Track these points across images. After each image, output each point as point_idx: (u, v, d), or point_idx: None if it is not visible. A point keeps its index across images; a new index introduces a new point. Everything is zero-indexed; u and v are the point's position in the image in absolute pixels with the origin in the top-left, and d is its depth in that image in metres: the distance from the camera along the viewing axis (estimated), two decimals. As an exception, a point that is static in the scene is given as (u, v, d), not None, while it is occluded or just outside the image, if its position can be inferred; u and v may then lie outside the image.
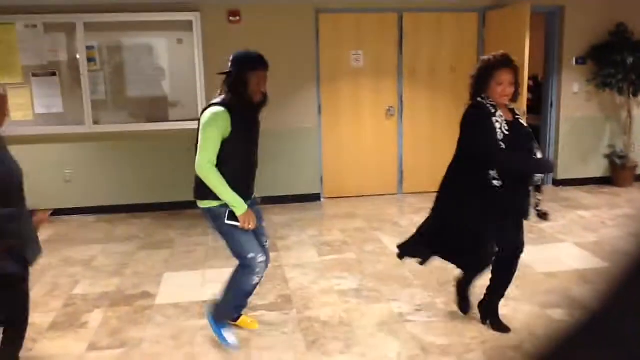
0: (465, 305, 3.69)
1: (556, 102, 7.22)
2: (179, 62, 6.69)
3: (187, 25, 6.37)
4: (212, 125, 3.04)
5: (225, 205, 3.09)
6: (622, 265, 0.52)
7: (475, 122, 3.22)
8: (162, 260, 4.98)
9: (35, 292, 4.29)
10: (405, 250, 3.65)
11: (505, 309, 3.76)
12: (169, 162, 6.44)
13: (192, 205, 6.41)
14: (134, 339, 3.53)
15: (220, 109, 3.06)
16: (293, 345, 3.39)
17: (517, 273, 3.75)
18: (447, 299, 3.94)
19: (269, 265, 3.47)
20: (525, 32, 6.01)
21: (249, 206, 3.14)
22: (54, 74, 6.34)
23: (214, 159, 3.05)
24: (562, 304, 3.87)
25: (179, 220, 6.10)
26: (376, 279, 4.41)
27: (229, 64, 3.13)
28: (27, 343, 3.46)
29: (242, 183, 3.17)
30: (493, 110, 3.18)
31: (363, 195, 7.02)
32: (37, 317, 3.84)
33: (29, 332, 3.58)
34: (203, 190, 3.13)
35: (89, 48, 6.34)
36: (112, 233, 5.83)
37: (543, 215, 3.37)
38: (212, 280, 4.40)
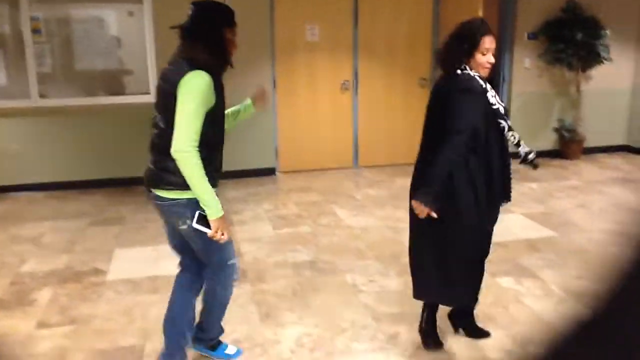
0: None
1: (508, 77, 7.35)
2: (128, 34, 6.50)
3: (137, -4, 6.18)
4: (198, 95, 2.36)
5: (196, 200, 2.45)
6: (621, 266, 0.50)
7: (473, 97, 2.70)
8: (113, 236, 4.89)
9: (-17, 269, 4.17)
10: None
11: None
12: (120, 136, 6.29)
13: (142, 181, 6.30)
14: (84, 315, 3.47)
15: (204, 73, 2.38)
16: (247, 317, 3.39)
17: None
18: (400, 270, 4.00)
19: None
20: (478, 8, 6.06)
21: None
22: (-4, 46, 6.08)
23: (197, 139, 2.38)
24: (511, 272, 3.99)
25: (130, 197, 5.98)
26: (331, 252, 4.44)
27: (194, 16, 2.48)
28: (-29, 322, 3.37)
29: (215, 170, 2.56)
30: (483, 85, 2.74)
31: (319, 169, 7.03)
32: (-15, 295, 3.73)
33: (-26, 311, 3.48)
34: (167, 176, 2.46)
35: (33, 19, 6.09)
36: (61, 210, 5.68)
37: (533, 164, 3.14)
38: (164, 256, 4.32)
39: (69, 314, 3.49)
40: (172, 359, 2.75)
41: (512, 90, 7.34)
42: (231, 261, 2.71)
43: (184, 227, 2.52)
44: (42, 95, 6.23)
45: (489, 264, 4.10)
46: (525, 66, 7.27)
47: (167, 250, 3.95)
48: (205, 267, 2.76)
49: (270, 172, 6.92)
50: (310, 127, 6.98)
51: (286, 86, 6.80)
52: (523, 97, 7.38)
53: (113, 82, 6.61)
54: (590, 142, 7.54)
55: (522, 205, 5.57)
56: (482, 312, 3.36)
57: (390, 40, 6.94)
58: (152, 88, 6.27)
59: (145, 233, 4.94)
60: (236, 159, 6.60)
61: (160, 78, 2.56)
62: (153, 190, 2.54)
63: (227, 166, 2.84)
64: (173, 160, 2.39)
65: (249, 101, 2.95)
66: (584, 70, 7.16)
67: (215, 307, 2.86)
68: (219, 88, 2.47)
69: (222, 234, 2.47)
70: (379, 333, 3.20)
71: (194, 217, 2.45)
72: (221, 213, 2.46)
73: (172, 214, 2.54)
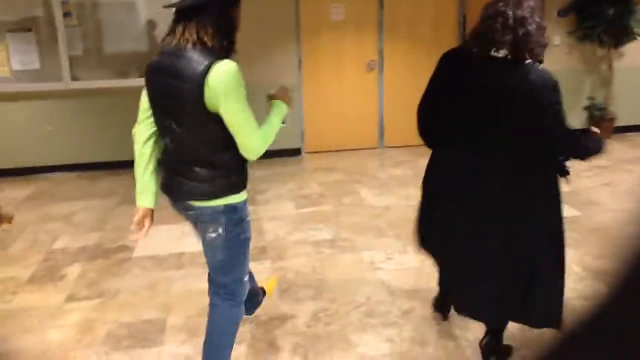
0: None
1: (537, 54, 7.21)
2: (157, 15, 6.60)
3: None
4: (243, 89, 2.13)
5: (232, 207, 2.27)
6: (623, 264, 0.48)
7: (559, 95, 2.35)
8: (142, 215, 5.03)
9: (15, 247, 4.37)
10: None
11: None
12: (149, 118, 6.43)
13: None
14: (111, 289, 3.62)
15: (234, 64, 2.09)
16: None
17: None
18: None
19: None
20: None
21: None
22: (29, 30, 6.26)
23: None
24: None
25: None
26: (351, 230, 4.50)
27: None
28: (6, 296, 3.56)
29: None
30: None
31: (344, 150, 7.06)
32: (17, 271, 3.92)
33: (9, 285, 3.67)
34: (203, 187, 2.21)
35: (64, 2, 6.24)
36: (92, 189, 5.87)
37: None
38: (189, 234, 4.47)
39: (97, 288, 3.64)
40: None
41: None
42: (246, 278, 2.48)
43: (214, 235, 2.30)
44: (74, 78, 6.40)
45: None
46: (555, 43, 7.13)
47: (191, 228, 4.05)
48: (217, 288, 2.47)
49: (296, 152, 6.98)
50: (336, 107, 7.01)
51: (312, 66, 6.83)
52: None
53: (141, 65, 6.73)
54: (622, 121, 7.37)
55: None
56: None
57: (415, 19, 6.88)
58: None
59: (171, 212, 5.07)
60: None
61: (164, 73, 2.12)
62: (184, 201, 2.31)
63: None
64: (204, 167, 2.19)
65: (272, 104, 2.41)
66: (615, 47, 6.97)
67: (230, 334, 2.49)
68: None
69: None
70: (394, 308, 3.26)
71: (227, 224, 2.28)
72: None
73: (205, 222, 2.31)
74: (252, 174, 3.11)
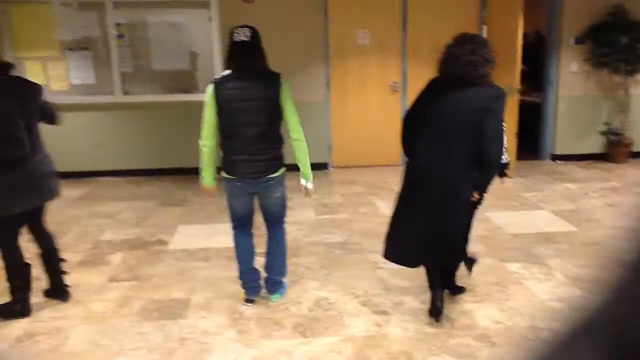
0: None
1: (555, 80, 7.58)
2: (199, 39, 7.29)
3: (206, 5, 6.95)
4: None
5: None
6: (622, 264, 0.49)
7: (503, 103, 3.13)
8: (178, 215, 5.65)
9: (68, 237, 5.02)
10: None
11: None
12: (189, 130, 7.08)
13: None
14: (146, 274, 4.21)
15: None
16: (277, 283, 4.01)
17: (487, 233, 4.27)
18: (419, 252, 4.49)
19: None
20: (519, 14, 6.39)
21: None
22: (86, 49, 7.03)
23: None
24: (519, 259, 4.38)
25: (195, 183, 6.67)
26: (361, 235, 4.98)
27: (254, 36, 3.29)
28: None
29: None
30: None
31: (368, 165, 7.56)
32: (69, 256, 4.51)
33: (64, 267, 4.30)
34: (280, 159, 3.49)
35: (118, 24, 7.00)
36: (136, 192, 6.54)
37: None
38: (219, 232, 5.06)
39: (134, 273, 4.24)
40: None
41: (558, 94, 7.57)
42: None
43: (279, 194, 3.57)
44: (124, 92, 7.13)
45: (501, 251, 4.54)
46: (572, 70, 7.48)
47: (221, 228, 4.62)
48: (276, 224, 3.71)
49: (323, 166, 7.52)
50: (361, 125, 7.53)
51: (339, 87, 7.39)
52: (569, 100, 7.59)
53: (183, 81, 7.43)
54: (638, 146, 7.63)
55: (554, 203, 5.88)
56: (481, 289, 3.82)
57: (437, 44, 7.28)
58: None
59: (204, 214, 5.68)
60: (292, 154, 7.23)
61: (253, 88, 3.29)
62: (265, 176, 3.42)
63: (285, 160, 3.57)
64: (278, 147, 3.46)
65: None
66: (630, 74, 7.28)
67: (285, 250, 3.76)
68: None
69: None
70: (386, 300, 3.73)
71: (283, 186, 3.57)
72: None
73: (276, 187, 3.50)
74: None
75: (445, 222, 3.25)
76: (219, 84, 3.33)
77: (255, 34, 3.31)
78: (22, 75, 3.70)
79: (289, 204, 3.83)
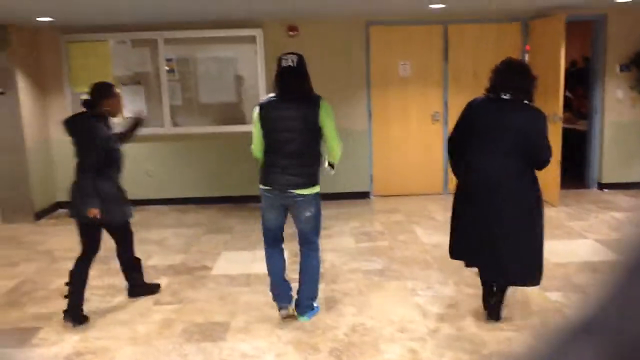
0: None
1: (600, 107, 7.48)
2: (245, 72, 7.56)
3: (252, 39, 7.22)
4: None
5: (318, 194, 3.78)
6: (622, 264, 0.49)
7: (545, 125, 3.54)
8: (222, 242, 5.81)
9: (115, 263, 5.20)
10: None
11: (510, 288, 4.28)
12: (234, 160, 7.32)
13: (251, 199, 7.27)
14: (189, 298, 4.36)
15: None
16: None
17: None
18: (457, 280, 4.49)
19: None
20: (561, 41, 6.39)
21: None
22: (139, 83, 7.39)
23: None
24: (560, 288, 4.32)
25: (239, 211, 6.95)
26: (400, 263, 5.01)
27: (299, 62, 3.61)
28: (107, 297, 4.38)
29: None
30: None
31: (410, 195, 7.59)
32: (116, 281, 4.74)
33: (110, 291, 4.49)
34: (315, 177, 3.69)
35: (168, 60, 7.34)
36: (182, 220, 6.76)
37: None
38: (261, 259, 5.16)
39: (178, 296, 4.39)
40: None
41: (604, 120, 7.46)
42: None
43: (309, 214, 3.72)
44: (174, 124, 7.44)
45: (543, 280, 4.48)
46: (618, 97, 7.37)
47: (261, 254, 4.75)
48: (305, 245, 3.85)
49: (365, 195, 7.59)
50: (403, 155, 7.59)
51: (381, 117, 7.49)
52: (616, 127, 7.46)
53: (229, 113, 7.69)
54: (689, 174, 7.40)
55: (599, 231, 5.77)
56: (520, 317, 3.79)
57: (479, 73, 7.38)
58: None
59: (247, 240, 5.82)
60: (335, 183, 7.36)
61: (294, 109, 3.60)
62: (294, 191, 3.63)
63: (326, 189, 3.81)
64: (313, 165, 3.67)
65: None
66: (678, 100, 7.12)
67: (318, 271, 3.88)
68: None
69: None
70: (422, 327, 3.74)
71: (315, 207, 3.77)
72: None
73: (307, 205, 3.69)
74: (322, 212, 3.96)
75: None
76: (265, 105, 3.70)
77: (301, 60, 3.61)
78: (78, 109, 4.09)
79: (328, 232, 3.93)
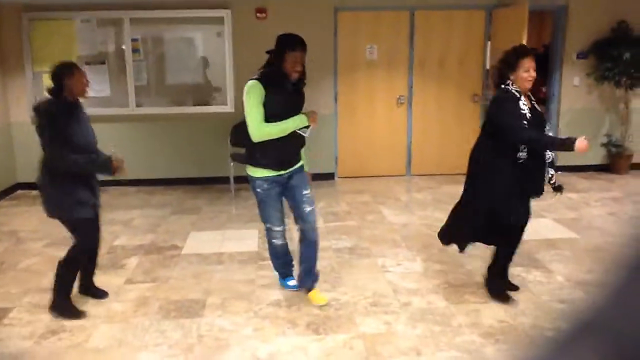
0: (510, 285, 4.01)
1: (557, 94, 7.76)
2: (211, 53, 7.51)
3: (219, 20, 7.18)
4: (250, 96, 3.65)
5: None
6: (622, 266, 0.49)
7: (504, 104, 3.58)
8: (190, 222, 5.81)
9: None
10: (445, 237, 4.04)
11: (472, 265, 4.46)
12: (201, 141, 7.28)
13: (218, 180, 7.26)
14: (162, 277, 4.37)
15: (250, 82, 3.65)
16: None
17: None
18: (426, 257, 4.64)
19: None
20: (523, 30, 6.59)
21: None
22: (103, 63, 7.26)
23: None
24: (523, 264, 4.51)
25: (206, 192, 6.94)
26: (370, 241, 5.13)
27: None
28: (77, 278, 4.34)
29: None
30: (518, 95, 3.58)
31: (374, 176, 7.72)
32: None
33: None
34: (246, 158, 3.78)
35: (133, 40, 7.22)
36: (149, 201, 6.71)
37: (558, 188, 3.82)
38: (230, 238, 5.23)
39: (151, 275, 4.39)
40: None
41: (561, 107, 7.74)
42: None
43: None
44: (138, 105, 7.34)
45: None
46: (574, 84, 7.66)
47: (232, 233, 4.75)
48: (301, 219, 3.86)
49: (330, 176, 7.69)
50: (368, 137, 7.70)
51: (347, 100, 7.57)
52: (572, 113, 7.75)
53: (195, 95, 7.64)
54: (637, 158, 7.77)
55: (556, 211, 6.02)
56: (486, 291, 3.96)
57: (443, 59, 7.57)
58: (230, 100, 7.24)
59: (215, 221, 5.84)
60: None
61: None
62: (296, 167, 3.75)
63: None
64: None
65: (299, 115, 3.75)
66: (631, 88, 7.45)
67: (317, 247, 3.97)
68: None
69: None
70: (395, 301, 3.87)
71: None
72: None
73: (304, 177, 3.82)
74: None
75: None
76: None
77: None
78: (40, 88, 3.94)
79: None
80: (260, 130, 3.51)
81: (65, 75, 3.65)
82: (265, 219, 3.85)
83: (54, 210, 3.67)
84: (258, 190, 3.71)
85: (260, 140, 3.53)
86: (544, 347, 0.53)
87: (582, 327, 0.50)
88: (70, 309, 3.73)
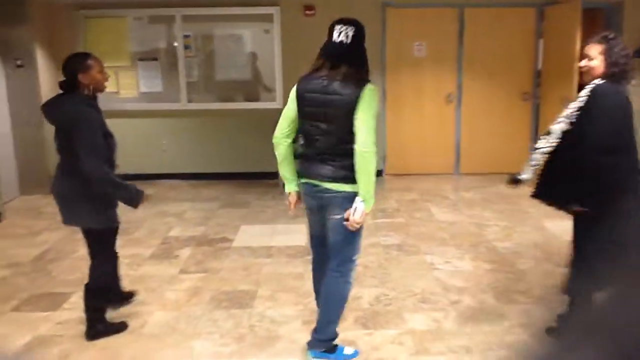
0: None
1: (612, 92, 7.54)
2: (261, 50, 7.61)
3: (269, 18, 7.26)
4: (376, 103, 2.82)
5: (354, 194, 2.80)
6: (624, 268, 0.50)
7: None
8: (240, 216, 5.91)
9: (138, 234, 5.34)
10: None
11: (526, 264, 4.41)
12: (250, 137, 7.39)
13: (266, 175, 7.34)
14: (214, 268, 4.47)
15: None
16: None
17: (542, 239, 4.31)
18: (474, 256, 4.61)
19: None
20: (577, 27, 6.43)
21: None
22: (155, 59, 7.45)
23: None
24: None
25: (255, 187, 7.05)
26: (418, 238, 5.12)
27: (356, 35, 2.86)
28: (133, 266, 4.49)
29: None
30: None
31: (422, 174, 7.68)
32: (140, 250, 4.87)
33: (135, 259, 4.61)
34: (344, 172, 2.78)
35: (185, 37, 7.39)
36: (199, 194, 6.86)
37: None
38: (280, 232, 5.29)
39: (203, 266, 4.50)
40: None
41: (616, 106, 7.52)
42: (356, 256, 2.99)
43: (338, 217, 2.81)
44: (189, 100, 7.50)
45: (558, 257, 4.59)
46: (632, 83, 7.42)
47: (281, 228, 4.77)
48: (331, 261, 3.00)
49: (378, 174, 7.66)
50: (416, 135, 7.67)
51: (395, 97, 7.56)
52: (627, 112, 7.52)
53: (245, 91, 7.75)
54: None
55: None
56: (539, 291, 3.90)
57: (493, 56, 7.46)
58: (279, 97, 7.33)
59: (265, 215, 5.93)
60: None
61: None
62: (322, 183, 2.83)
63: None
64: (347, 158, 2.73)
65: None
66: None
67: (337, 301, 3.02)
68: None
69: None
70: (444, 299, 3.86)
71: (347, 209, 2.78)
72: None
73: (335, 204, 2.83)
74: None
75: None
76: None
77: (356, 32, 2.92)
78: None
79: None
80: (375, 151, 2.75)
81: (80, 68, 3.20)
82: (359, 249, 3.06)
83: (81, 219, 3.29)
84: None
85: (368, 156, 2.72)
86: (548, 346, 0.53)
87: (583, 327, 0.51)
88: (110, 330, 3.46)
